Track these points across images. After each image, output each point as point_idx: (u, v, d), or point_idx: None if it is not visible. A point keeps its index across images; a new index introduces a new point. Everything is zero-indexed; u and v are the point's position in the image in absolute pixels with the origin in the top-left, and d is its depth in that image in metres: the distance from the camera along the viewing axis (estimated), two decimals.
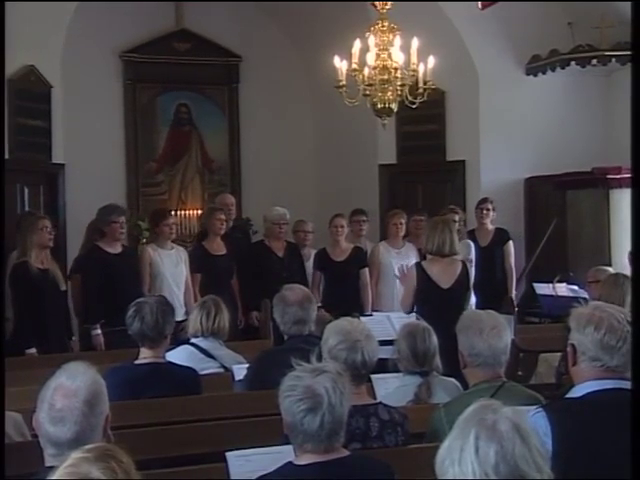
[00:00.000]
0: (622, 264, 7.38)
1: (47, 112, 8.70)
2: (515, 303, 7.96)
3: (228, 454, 3.13)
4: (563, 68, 9.10)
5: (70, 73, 9.00)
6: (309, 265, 7.85)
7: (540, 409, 2.77)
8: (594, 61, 8.94)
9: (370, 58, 6.82)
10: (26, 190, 8.58)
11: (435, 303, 5.77)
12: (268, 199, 8.80)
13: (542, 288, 7.49)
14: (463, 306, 5.86)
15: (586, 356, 2.83)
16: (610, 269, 6.69)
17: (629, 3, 4.21)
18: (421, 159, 9.75)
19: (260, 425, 3.80)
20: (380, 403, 3.50)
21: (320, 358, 3.19)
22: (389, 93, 6.95)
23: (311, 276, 7.74)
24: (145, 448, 3.33)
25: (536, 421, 2.68)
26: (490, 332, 3.41)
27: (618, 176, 8.45)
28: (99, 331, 6.59)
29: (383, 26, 6.96)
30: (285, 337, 4.48)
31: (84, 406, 2.52)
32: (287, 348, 4.26)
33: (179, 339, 5.28)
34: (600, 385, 2.80)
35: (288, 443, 2.76)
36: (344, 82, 6.91)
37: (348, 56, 6.88)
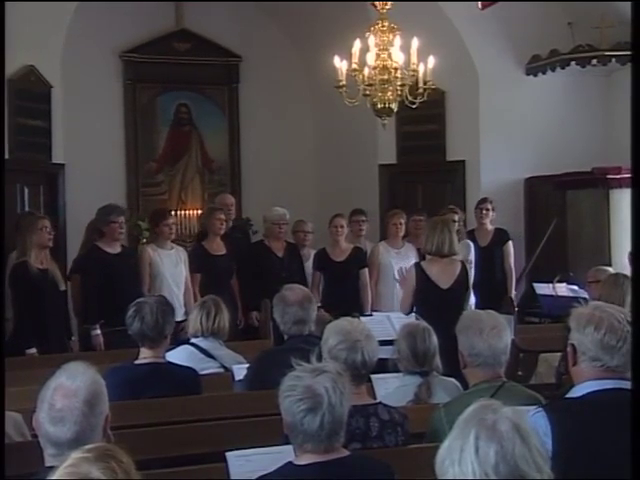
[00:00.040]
0: (622, 264, 7.38)
1: (47, 112, 8.70)
2: (515, 303, 7.96)
3: (228, 454, 3.13)
4: (563, 68, 9.10)
5: (70, 73, 9.00)
6: (308, 265, 7.85)
7: (540, 409, 2.77)
8: (594, 61, 8.94)
9: (370, 58, 6.82)
10: (26, 190, 8.58)
11: (434, 303, 5.77)
12: (268, 199, 8.80)
13: (542, 288, 7.49)
14: (462, 306, 5.86)
15: (586, 356, 2.83)
16: (610, 269, 6.69)
17: (629, 3, 4.20)
18: (421, 159, 9.75)
19: (260, 425, 3.80)
20: (380, 403, 3.50)
21: (320, 358, 3.19)
22: (389, 93, 6.95)
23: (310, 276, 7.74)
24: (145, 448, 3.33)
25: (536, 421, 2.68)
26: (490, 332, 3.41)
27: (618, 176, 8.44)
28: (99, 331, 6.59)
29: (383, 26, 6.96)
30: (285, 337, 4.48)
31: (84, 406, 2.52)
32: (287, 348, 4.26)
33: (179, 339, 5.29)
34: (600, 385, 2.80)
35: (288, 443, 2.76)
36: (344, 82, 6.91)
37: (348, 56, 6.88)
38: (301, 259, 7.86)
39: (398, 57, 6.81)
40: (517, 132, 9.36)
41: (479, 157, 9.50)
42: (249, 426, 3.89)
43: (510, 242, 8.34)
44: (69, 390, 2.54)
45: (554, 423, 2.70)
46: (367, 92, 6.98)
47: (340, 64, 6.91)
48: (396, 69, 6.83)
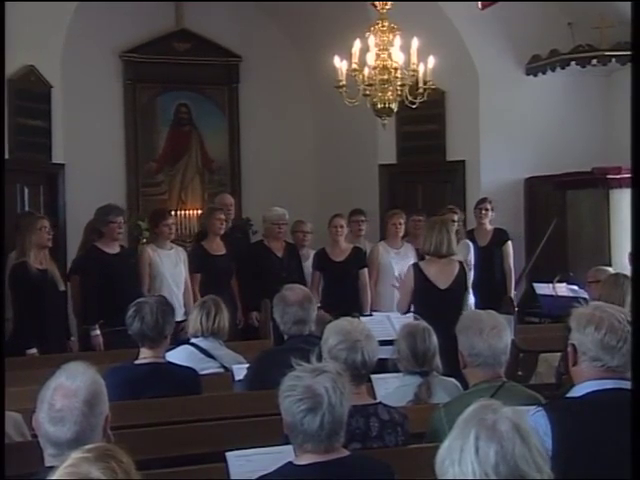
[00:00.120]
0: (622, 264, 7.38)
1: (47, 112, 8.70)
2: (515, 303, 7.96)
3: (228, 454, 3.13)
4: (563, 68, 9.10)
5: (70, 73, 8.99)
6: (308, 265, 7.85)
7: (540, 408, 2.77)
8: (594, 61, 8.94)
9: (370, 58, 6.82)
10: (26, 190, 8.58)
11: (433, 304, 5.77)
12: (268, 199, 8.79)
13: (542, 288, 7.49)
14: (461, 306, 5.87)
15: (586, 356, 2.83)
16: (610, 269, 6.69)
17: (629, 3, 4.21)
18: (421, 159, 9.75)
19: (260, 425, 3.80)
20: (380, 403, 3.50)
21: (320, 358, 3.19)
22: (389, 93, 6.95)
23: (310, 276, 7.74)
24: (145, 448, 3.33)
25: (536, 420, 2.68)
26: (490, 332, 3.41)
27: (618, 176, 8.44)
28: (98, 332, 6.59)
29: (383, 26, 6.95)
30: (285, 337, 4.48)
31: (84, 406, 2.52)
32: (287, 348, 4.26)
33: (179, 339, 5.29)
34: (600, 385, 2.80)
35: (288, 443, 2.76)
36: (344, 82, 6.91)
37: (348, 56, 6.88)
38: (300, 259, 7.86)
39: (398, 57, 6.81)
40: (517, 132, 9.35)
41: (479, 157, 9.50)
42: (249, 426, 3.89)
43: (509, 242, 8.34)
44: (69, 390, 2.54)
45: (554, 423, 2.70)
46: (367, 92, 6.98)
47: (340, 64, 6.91)
48: (396, 69, 6.83)
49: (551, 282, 7.35)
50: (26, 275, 6.24)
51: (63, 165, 9.09)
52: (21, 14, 7.57)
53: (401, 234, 8.03)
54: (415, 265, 6.21)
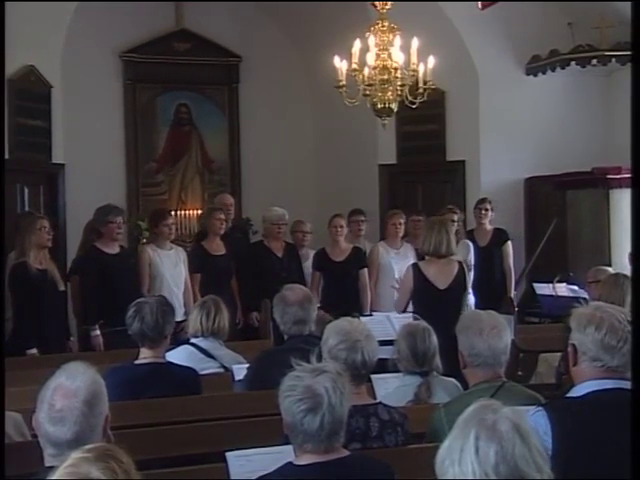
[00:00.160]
0: (622, 264, 7.38)
1: (47, 112, 8.70)
2: (515, 303, 7.96)
3: (228, 454, 3.13)
4: (563, 68, 9.10)
5: (70, 73, 9.00)
6: (307, 265, 7.85)
7: (540, 408, 2.77)
8: (594, 61, 8.94)
9: (370, 58, 6.82)
10: (26, 190, 8.58)
11: (432, 304, 5.77)
12: (268, 199, 8.79)
13: (542, 288, 7.49)
14: (460, 306, 5.87)
15: (587, 356, 2.83)
16: (610, 269, 6.69)
17: (629, 3, 4.21)
18: (421, 159, 9.75)
19: (260, 425, 3.80)
20: (380, 403, 3.50)
21: (320, 358, 3.19)
22: (389, 93, 6.95)
23: (309, 276, 7.74)
24: (145, 448, 3.33)
25: (536, 420, 2.69)
26: (490, 332, 3.41)
27: (618, 176, 8.44)
28: (98, 332, 6.58)
29: (383, 26, 6.95)
30: (285, 337, 4.48)
31: (84, 406, 2.52)
32: (287, 348, 4.26)
33: (179, 339, 5.29)
34: (600, 385, 2.80)
35: (288, 443, 2.76)
36: (344, 82, 6.91)
37: (348, 56, 6.88)
38: (299, 259, 7.86)
39: (398, 57, 6.81)
40: (517, 132, 9.35)
41: (479, 157, 9.50)
42: (249, 426, 3.89)
43: (509, 242, 8.34)
44: (69, 390, 2.54)
45: (554, 422, 2.70)
46: (367, 92, 6.98)
47: (340, 64, 6.91)
48: (396, 69, 6.83)
49: (551, 282, 7.35)
50: (26, 275, 6.24)
51: (63, 165, 9.09)
52: (21, 14, 7.57)
53: (401, 234, 8.03)
54: (414, 265, 6.21)
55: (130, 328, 4.27)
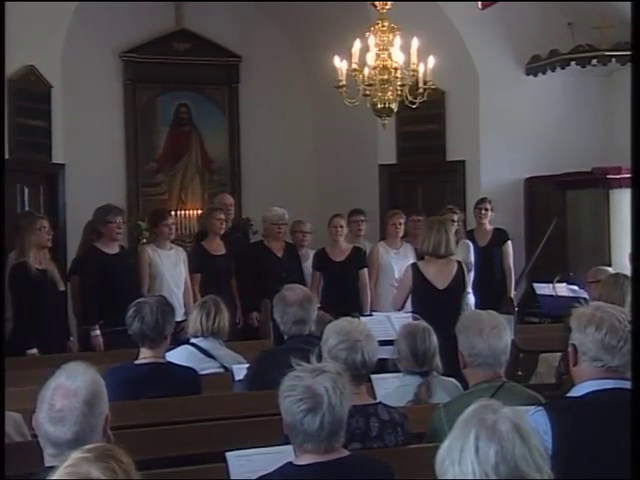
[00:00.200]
0: (622, 264, 7.38)
1: (47, 112, 8.70)
2: (515, 303, 7.96)
3: (228, 454, 3.13)
4: (563, 68, 9.10)
5: (70, 73, 9.00)
6: (307, 265, 7.85)
7: (540, 408, 2.78)
8: (594, 61, 8.94)
9: (370, 58, 6.82)
10: (26, 190, 8.58)
11: (431, 304, 5.77)
12: (268, 199, 8.79)
13: (542, 288, 7.49)
14: (460, 306, 5.87)
15: (587, 356, 2.83)
16: (610, 269, 6.69)
17: (629, 3, 4.21)
18: (421, 159, 9.75)
19: (260, 425, 3.80)
20: (380, 403, 3.50)
21: (320, 358, 3.19)
22: (389, 93, 6.95)
23: (309, 276, 7.74)
24: (145, 448, 3.33)
25: (536, 419, 2.69)
26: (490, 332, 3.40)
27: (618, 176, 8.44)
28: (98, 332, 6.58)
29: (383, 26, 6.95)
30: (285, 337, 4.48)
31: (84, 406, 2.52)
32: (287, 348, 4.26)
33: (179, 339, 5.29)
34: (600, 385, 2.80)
35: (288, 443, 2.76)
36: (344, 82, 6.91)
37: (348, 56, 6.88)
38: (299, 259, 7.86)
39: (398, 57, 6.81)
40: (517, 132, 9.35)
41: (479, 157, 9.50)
42: (249, 426, 3.89)
43: (509, 242, 8.34)
44: (69, 390, 2.54)
45: (554, 422, 2.70)
46: (367, 92, 6.98)
47: (340, 64, 6.91)
48: (396, 69, 6.83)
49: (551, 282, 7.34)
50: (26, 275, 6.24)
51: (63, 165, 9.09)
52: (21, 14, 7.57)
53: (401, 234, 8.03)
54: (413, 265, 6.20)
55: (130, 328, 4.27)
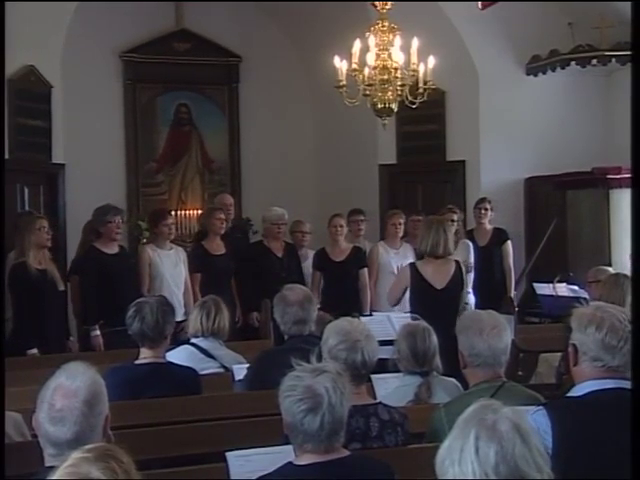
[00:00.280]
0: (622, 264, 7.38)
1: (47, 112, 8.70)
2: (515, 303, 7.96)
3: (228, 454, 3.13)
4: (563, 68, 9.11)
5: (70, 73, 9.00)
6: (306, 265, 7.85)
7: (541, 407, 2.78)
8: (594, 61, 8.94)
9: (370, 58, 6.82)
10: (26, 190, 8.58)
11: (430, 304, 5.76)
12: (268, 199, 8.79)
13: (542, 288, 7.49)
14: (458, 306, 5.87)
15: (587, 356, 2.83)
16: (610, 269, 6.69)
17: (629, 3, 4.20)
18: (421, 159, 9.75)
19: (260, 425, 3.80)
20: (380, 403, 3.50)
21: (320, 358, 3.19)
22: (389, 93, 6.95)
23: (309, 276, 7.73)
24: (145, 448, 3.33)
25: (537, 419, 2.69)
26: (490, 332, 3.40)
27: (618, 176, 8.44)
28: (98, 332, 6.58)
29: (383, 26, 6.95)
30: (285, 337, 4.48)
31: (84, 406, 2.52)
32: (287, 348, 4.26)
33: (179, 339, 5.29)
34: (601, 385, 2.80)
35: (288, 443, 2.76)
36: (344, 82, 6.91)
37: (348, 56, 6.88)
38: (299, 259, 7.86)
39: (398, 57, 6.80)
40: (517, 132, 9.36)
41: (479, 157, 9.50)
42: (249, 426, 3.89)
43: (509, 242, 8.34)
44: (69, 390, 2.54)
45: (555, 421, 2.70)
46: (367, 92, 6.98)
47: (340, 64, 6.91)
48: (396, 69, 6.83)
49: (551, 282, 7.34)
50: (25, 275, 6.24)
51: (63, 165, 9.09)
52: (21, 14, 7.57)
53: (400, 234, 8.03)
54: (412, 265, 6.20)
55: (130, 328, 4.27)
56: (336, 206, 8.42)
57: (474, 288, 7.65)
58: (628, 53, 7.37)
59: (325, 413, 2.60)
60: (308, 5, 9.50)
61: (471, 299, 7.54)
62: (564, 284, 7.37)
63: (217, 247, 7.53)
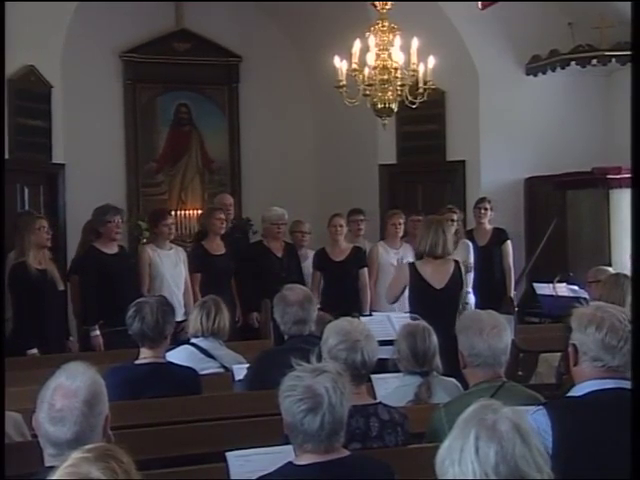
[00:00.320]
0: (622, 264, 7.38)
1: (47, 112, 8.69)
2: (515, 303, 7.96)
3: (228, 454, 3.13)
4: (563, 68, 9.11)
5: (70, 73, 8.99)
6: (306, 265, 7.85)
7: (541, 407, 2.78)
8: (594, 61, 8.94)
9: (370, 58, 6.82)
10: (26, 190, 8.58)
11: (429, 303, 5.76)
12: (268, 199, 8.79)
13: (542, 288, 7.49)
14: (458, 306, 5.87)
15: (587, 356, 2.83)
16: (610, 269, 6.69)
17: (629, 3, 4.20)
18: (421, 159, 9.75)
19: (260, 425, 3.80)
20: (380, 403, 3.50)
21: (320, 358, 3.19)
22: (389, 93, 6.95)
23: (308, 276, 7.73)
24: (145, 448, 3.33)
25: (537, 419, 2.69)
26: (490, 332, 3.40)
27: (618, 176, 8.44)
28: (98, 332, 6.59)
29: (383, 26, 6.95)
30: (285, 337, 4.48)
31: (84, 406, 2.52)
32: (287, 348, 4.26)
33: (179, 339, 5.29)
34: (601, 385, 2.80)
35: (288, 443, 2.76)
36: (344, 82, 6.91)
37: (348, 56, 6.88)
38: (299, 259, 7.86)
39: (398, 57, 6.81)
40: (517, 132, 9.35)
41: (479, 157, 9.50)
42: (249, 426, 3.89)
43: (509, 241, 8.34)
44: (69, 390, 2.54)
45: (555, 421, 2.70)
46: (367, 92, 6.98)
47: (340, 64, 6.91)
48: (396, 69, 6.83)
49: (551, 282, 7.34)
50: (25, 275, 6.24)
51: (63, 165, 9.08)
52: (21, 14, 7.57)
53: (400, 234, 8.03)
54: (411, 264, 6.19)
55: (130, 328, 4.27)
56: (336, 206, 8.42)
57: (474, 288, 7.65)
58: (628, 53, 7.37)
59: (325, 413, 2.60)
60: (308, 5, 9.49)
61: (471, 299, 7.54)
62: (564, 284, 7.37)
63: (217, 247, 7.53)
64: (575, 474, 2.59)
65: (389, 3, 7.04)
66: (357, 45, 6.82)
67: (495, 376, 3.44)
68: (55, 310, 6.43)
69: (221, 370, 4.91)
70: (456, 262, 6.13)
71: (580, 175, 8.78)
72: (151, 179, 10.23)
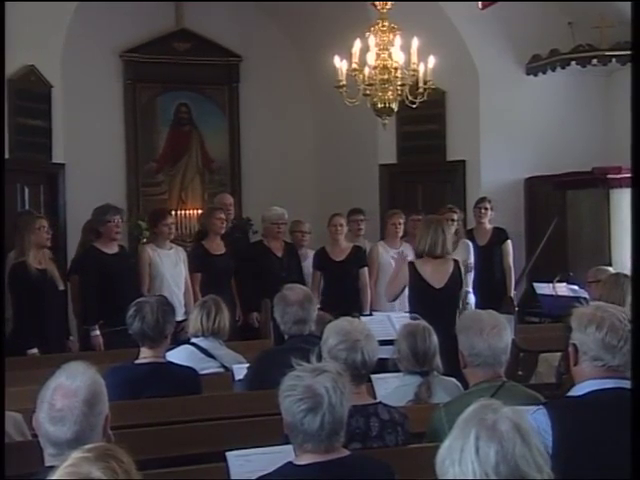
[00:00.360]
0: (622, 264, 7.38)
1: (47, 112, 8.70)
2: (515, 303, 7.95)
3: (228, 454, 3.13)
4: (563, 68, 9.11)
5: (70, 73, 9.00)
6: (306, 265, 7.85)
7: (541, 407, 2.78)
8: (594, 61, 8.94)
9: (370, 58, 6.82)
10: (26, 190, 8.58)
11: (428, 303, 5.76)
12: (268, 199, 8.79)
13: (542, 288, 7.49)
14: (457, 305, 5.87)
15: (588, 356, 2.83)
16: (610, 269, 6.69)
17: (629, 3, 4.19)
18: (421, 159, 9.75)
19: (260, 425, 3.80)
20: (380, 403, 3.50)
21: (320, 358, 3.19)
22: (389, 93, 6.95)
23: (308, 276, 7.73)
24: (145, 448, 3.33)
25: (537, 418, 2.69)
26: (490, 332, 3.40)
27: (618, 176, 8.44)
28: (98, 332, 6.59)
29: (383, 26, 6.96)
30: (285, 337, 4.48)
31: (84, 406, 2.52)
32: (287, 348, 4.26)
33: (179, 339, 5.29)
34: (601, 384, 2.80)
35: (288, 443, 2.76)
36: (344, 82, 6.91)
37: (348, 56, 6.88)
38: (299, 259, 7.86)
39: (398, 57, 6.81)
40: (517, 132, 9.36)
41: (479, 157, 9.50)
42: (249, 426, 3.89)
43: (509, 241, 8.34)
44: (69, 390, 2.54)
45: (555, 421, 2.70)
46: (367, 92, 6.98)
47: (340, 64, 6.91)
48: (396, 69, 6.83)
49: (551, 282, 7.34)
50: (25, 275, 6.24)
51: (63, 165, 9.08)
52: (21, 14, 7.56)
53: (400, 234, 8.03)
54: (411, 264, 6.20)
55: (131, 328, 4.27)
56: (336, 206, 8.41)
57: (474, 288, 7.65)
58: (628, 53, 7.37)
59: (325, 413, 2.60)
60: (308, 5, 9.50)
61: (472, 299, 7.54)
62: (564, 284, 7.37)
63: (217, 247, 7.54)
64: (575, 474, 2.59)
65: (389, 3, 7.04)
66: (357, 45, 6.83)
67: (495, 376, 3.44)
68: (55, 310, 6.43)
69: (221, 370, 4.91)
70: (455, 262, 6.13)
71: (580, 175, 8.78)
72: (151, 179, 10.23)
